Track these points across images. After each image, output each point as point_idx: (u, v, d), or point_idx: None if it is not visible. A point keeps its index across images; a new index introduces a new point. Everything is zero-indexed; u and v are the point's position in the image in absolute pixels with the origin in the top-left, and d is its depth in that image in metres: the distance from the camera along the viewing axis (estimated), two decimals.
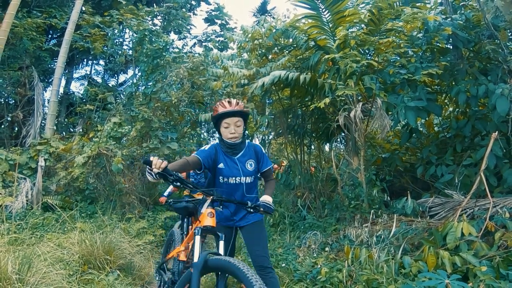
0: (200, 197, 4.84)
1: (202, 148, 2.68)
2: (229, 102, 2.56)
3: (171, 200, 4.88)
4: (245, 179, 2.70)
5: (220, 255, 1.95)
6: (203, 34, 12.92)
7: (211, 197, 2.25)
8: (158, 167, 1.97)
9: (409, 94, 4.25)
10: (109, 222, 4.96)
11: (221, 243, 2.14)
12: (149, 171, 2.02)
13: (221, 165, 2.64)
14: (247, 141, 2.81)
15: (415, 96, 4.18)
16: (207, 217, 2.17)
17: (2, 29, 6.94)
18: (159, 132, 6.83)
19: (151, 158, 2.00)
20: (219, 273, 1.83)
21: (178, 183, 2.10)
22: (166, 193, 5.17)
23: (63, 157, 6.70)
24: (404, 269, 3.07)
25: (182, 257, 2.79)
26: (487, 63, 4.55)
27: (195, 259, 1.93)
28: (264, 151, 2.85)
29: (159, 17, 11.77)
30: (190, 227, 3.33)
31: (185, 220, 3.46)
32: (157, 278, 3.29)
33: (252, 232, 2.69)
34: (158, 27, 10.03)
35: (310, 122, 6.69)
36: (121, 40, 11.51)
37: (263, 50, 6.45)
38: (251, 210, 2.34)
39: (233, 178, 2.67)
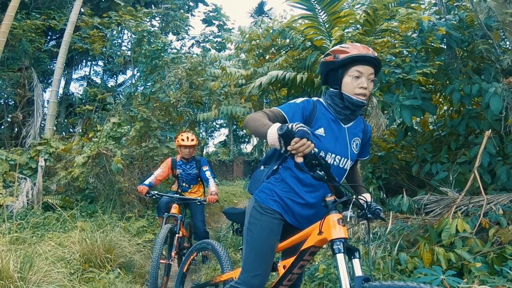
0: (192, 196, 4.18)
1: (292, 101, 1.77)
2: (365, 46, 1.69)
3: (156, 192, 3.90)
4: (346, 163, 1.79)
5: (369, 279, 1.39)
6: (201, 35, 13.00)
7: (352, 197, 1.51)
8: (302, 152, 1.28)
9: (404, 93, 4.28)
10: (109, 221, 4.99)
11: (356, 261, 1.47)
12: (282, 146, 1.31)
13: (320, 131, 1.70)
14: None
15: (410, 95, 4.21)
16: (337, 226, 1.47)
17: (1, 30, 6.97)
18: (158, 131, 6.87)
19: (290, 126, 1.29)
20: None
21: (322, 173, 1.37)
22: (147, 182, 4.08)
23: (63, 157, 6.73)
24: (400, 265, 3.11)
25: None
26: (480, 62, 4.59)
27: None
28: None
29: (157, 18, 11.81)
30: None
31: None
32: None
33: None
34: (156, 28, 10.08)
35: None
36: (119, 41, 11.60)
37: (260, 51, 6.50)
38: (370, 216, 1.59)
39: (333, 155, 1.73)
